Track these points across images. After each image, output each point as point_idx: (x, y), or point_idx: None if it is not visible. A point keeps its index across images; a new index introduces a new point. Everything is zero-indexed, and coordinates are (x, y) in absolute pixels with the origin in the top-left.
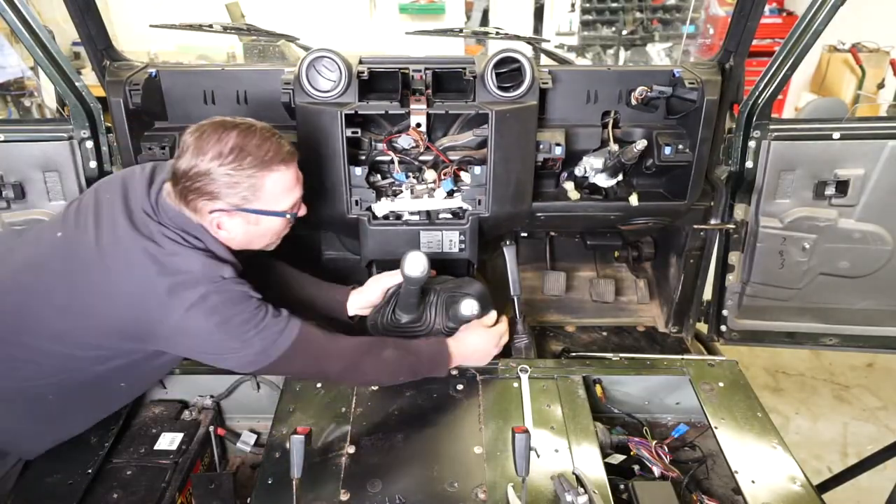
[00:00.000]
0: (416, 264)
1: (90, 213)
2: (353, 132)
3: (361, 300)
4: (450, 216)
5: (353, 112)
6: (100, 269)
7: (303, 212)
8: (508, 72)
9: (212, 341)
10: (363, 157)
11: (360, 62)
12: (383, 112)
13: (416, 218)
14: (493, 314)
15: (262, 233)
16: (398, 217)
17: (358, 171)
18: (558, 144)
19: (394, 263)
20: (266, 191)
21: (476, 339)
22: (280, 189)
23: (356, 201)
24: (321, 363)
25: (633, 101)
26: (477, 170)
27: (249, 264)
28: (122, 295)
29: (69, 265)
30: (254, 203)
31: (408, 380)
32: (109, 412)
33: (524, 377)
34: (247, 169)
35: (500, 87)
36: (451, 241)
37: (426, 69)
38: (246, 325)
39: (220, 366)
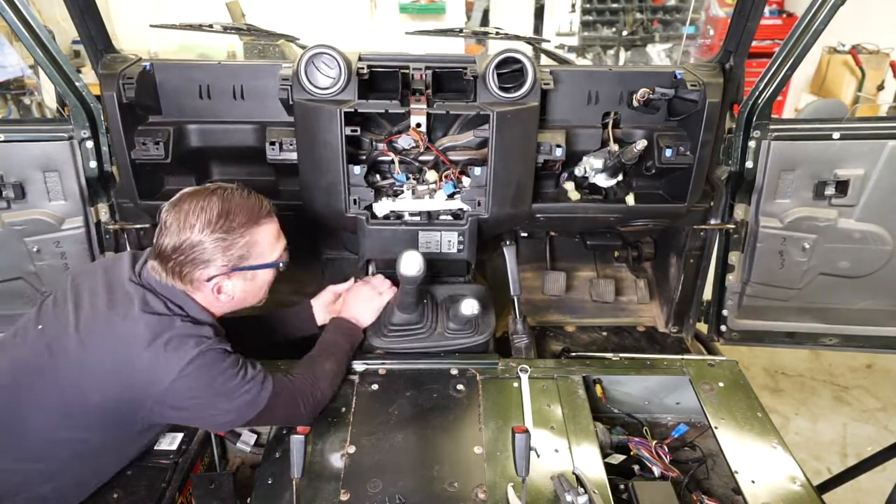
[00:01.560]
0: (411, 264)
1: (69, 301)
2: (352, 130)
3: (321, 306)
4: (449, 217)
5: (352, 110)
6: (80, 353)
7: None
8: (510, 72)
9: (200, 403)
10: (363, 157)
11: (360, 59)
12: (383, 111)
13: (416, 218)
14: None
15: (259, 287)
16: (398, 217)
17: (357, 169)
18: (559, 146)
19: (391, 263)
20: (259, 245)
21: (359, 304)
22: (271, 240)
23: (355, 200)
24: (296, 405)
25: (635, 103)
26: (477, 171)
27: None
28: (108, 372)
29: (52, 352)
30: (249, 260)
31: (346, 365)
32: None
33: (524, 377)
34: (238, 230)
35: (501, 88)
36: (449, 241)
37: (426, 68)
38: (231, 383)
39: (208, 426)
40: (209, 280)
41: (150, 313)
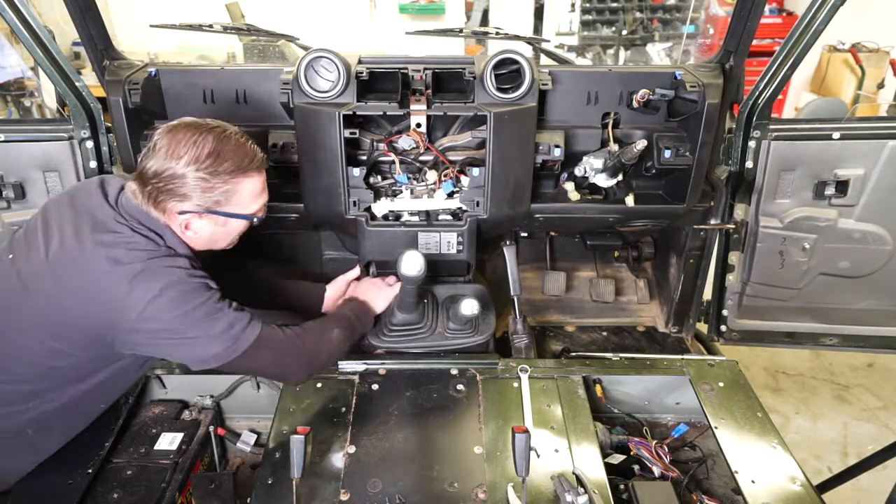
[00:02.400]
0: (412, 264)
1: (38, 231)
2: (350, 133)
3: (330, 298)
4: (448, 217)
5: (351, 113)
6: (51, 279)
7: (262, 214)
8: (508, 73)
9: (175, 333)
10: (364, 158)
11: (360, 62)
12: (381, 113)
13: (415, 219)
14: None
15: (227, 234)
16: (397, 217)
17: (356, 171)
18: (557, 146)
19: (391, 264)
20: (239, 195)
21: (374, 290)
22: (252, 194)
23: (354, 202)
24: (284, 360)
25: (635, 104)
26: (475, 171)
27: (222, 268)
28: (79, 298)
29: (24, 283)
30: (225, 207)
31: (350, 343)
32: (86, 425)
33: (524, 377)
34: (223, 175)
35: (499, 89)
36: (449, 242)
37: (426, 69)
38: (209, 317)
39: (187, 361)
40: (181, 214)
41: (125, 241)
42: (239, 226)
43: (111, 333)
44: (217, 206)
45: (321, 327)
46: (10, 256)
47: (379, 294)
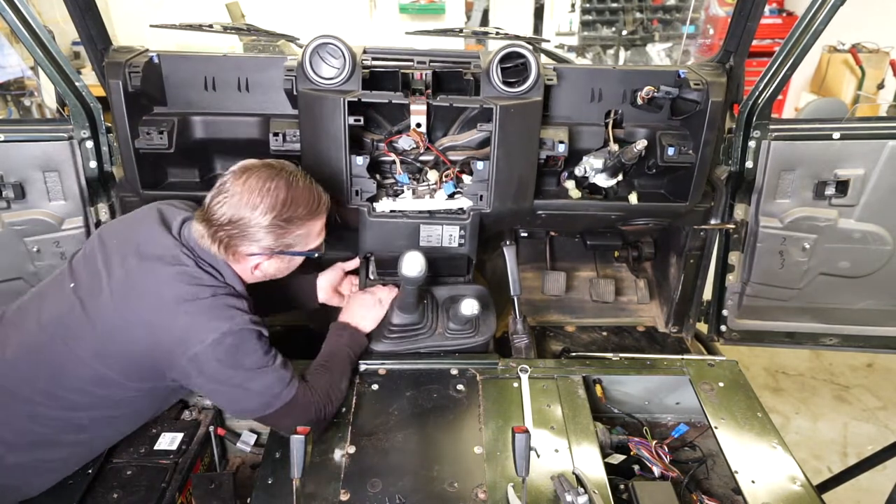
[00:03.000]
0: (413, 265)
1: (97, 258)
2: (355, 120)
3: (326, 283)
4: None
5: (356, 100)
6: (113, 309)
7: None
8: (513, 67)
9: (222, 379)
10: (364, 152)
11: (365, 52)
12: (387, 101)
13: (417, 210)
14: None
15: (290, 267)
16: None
17: (359, 160)
18: (561, 142)
19: (392, 261)
20: (308, 236)
21: (363, 311)
22: (318, 232)
23: (356, 191)
24: (302, 421)
25: (639, 101)
26: (479, 165)
27: None
28: (143, 330)
29: (88, 314)
30: (294, 247)
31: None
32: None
33: (524, 377)
34: (297, 220)
35: (505, 82)
36: (450, 235)
37: (431, 62)
38: (256, 371)
39: (222, 406)
40: (250, 255)
41: (191, 275)
42: (300, 260)
43: (166, 364)
44: (287, 247)
45: (330, 379)
46: (72, 285)
47: (367, 314)
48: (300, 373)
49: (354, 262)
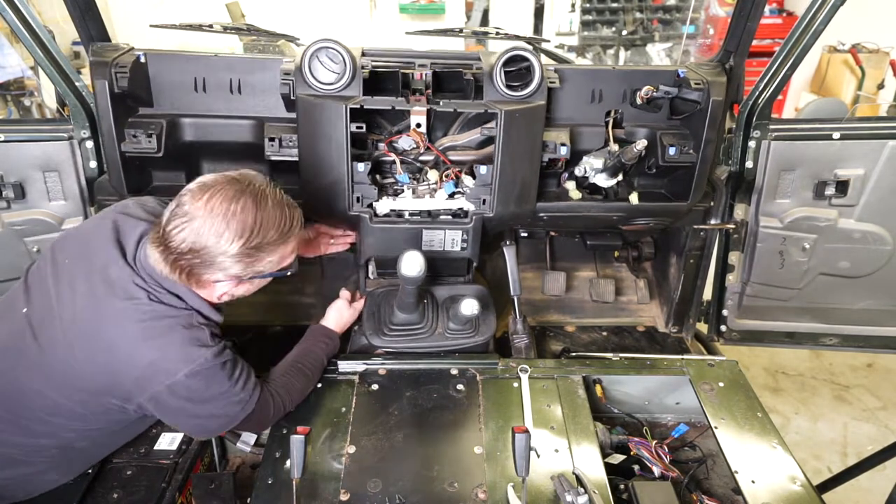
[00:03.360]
0: (412, 264)
1: (48, 280)
2: (357, 127)
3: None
4: (450, 217)
5: (358, 107)
6: (65, 345)
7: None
8: (515, 71)
9: (190, 411)
10: (366, 157)
11: (364, 54)
12: (389, 108)
13: (419, 217)
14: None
15: (258, 286)
16: (399, 215)
17: (361, 167)
18: (563, 144)
19: (392, 262)
20: (280, 259)
21: (334, 314)
22: (290, 252)
23: (358, 198)
24: (266, 418)
25: (639, 101)
26: (483, 169)
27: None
28: (95, 367)
29: (39, 343)
30: (265, 271)
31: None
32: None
33: (524, 377)
34: (267, 247)
35: (508, 86)
36: (453, 239)
37: (432, 63)
38: (218, 399)
39: (189, 432)
40: (216, 282)
41: (144, 311)
42: (270, 278)
43: (125, 398)
44: (259, 273)
45: (288, 379)
46: (25, 310)
47: (338, 317)
48: (267, 371)
49: (347, 237)
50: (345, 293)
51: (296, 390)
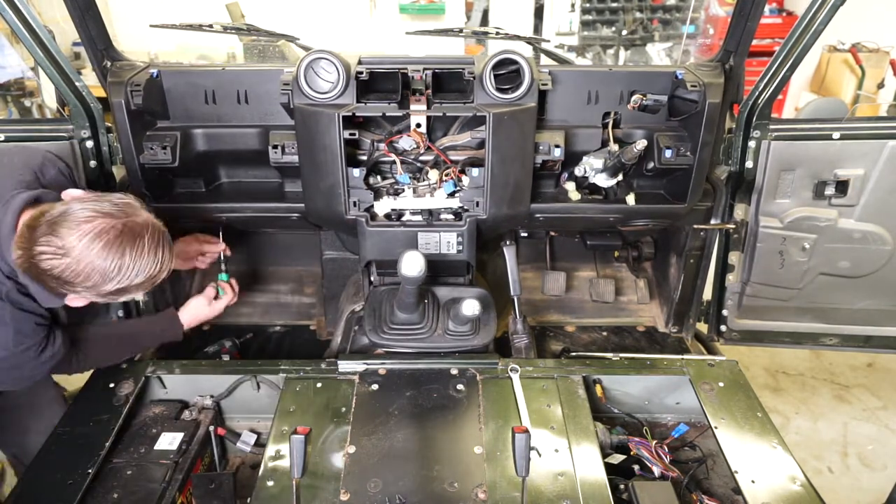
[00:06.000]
0: (412, 264)
1: None
2: (350, 134)
3: (178, 250)
4: (449, 217)
5: (350, 114)
6: None
7: None
8: (508, 73)
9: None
10: (364, 158)
11: (360, 62)
12: (381, 114)
13: (415, 219)
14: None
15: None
16: (399, 216)
17: (356, 172)
18: (557, 146)
19: (392, 264)
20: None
21: (196, 311)
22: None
23: (354, 202)
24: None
25: (630, 109)
26: (475, 172)
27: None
28: None
29: None
30: (121, 298)
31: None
32: None
33: (515, 377)
34: (133, 288)
35: (498, 89)
36: (448, 242)
37: (425, 69)
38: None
39: None
40: (66, 296)
41: None
42: None
43: None
44: (114, 300)
45: (107, 349)
46: None
47: (198, 315)
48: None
49: (219, 247)
50: (209, 291)
51: (100, 360)
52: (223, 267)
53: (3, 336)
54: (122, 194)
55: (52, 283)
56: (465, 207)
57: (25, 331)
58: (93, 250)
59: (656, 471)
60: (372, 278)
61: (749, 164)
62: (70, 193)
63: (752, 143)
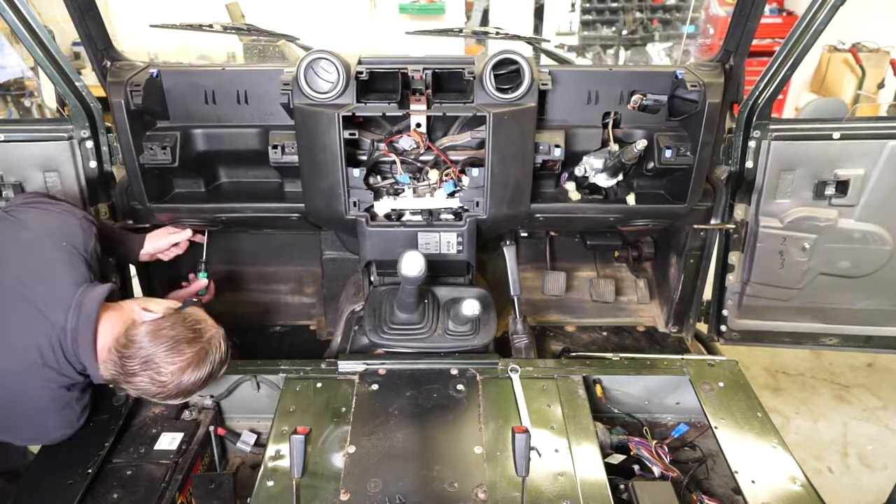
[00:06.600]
0: (412, 264)
1: None
2: (350, 134)
3: (151, 248)
4: (449, 217)
5: (350, 114)
6: None
7: None
8: (508, 73)
9: None
10: (364, 158)
11: (360, 62)
12: (381, 114)
13: (415, 219)
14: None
15: None
16: (399, 216)
17: (356, 172)
18: (557, 146)
19: (392, 264)
20: None
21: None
22: None
23: (354, 202)
24: None
25: (630, 109)
26: (475, 172)
27: None
28: None
29: None
30: None
31: None
32: None
33: (515, 377)
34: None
35: (498, 89)
36: (448, 242)
37: (425, 69)
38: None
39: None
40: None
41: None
42: None
43: None
44: None
45: None
46: None
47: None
48: None
49: (185, 234)
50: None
51: None
52: (202, 266)
53: (70, 416)
54: (192, 307)
55: (117, 377)
56: (465, 207)
57: (86, 405)
58: (184, 378)
59: (656, 471)
60: (372, 278)
61: (749, 164)
62: (145, 316)
63: (752, 143)
